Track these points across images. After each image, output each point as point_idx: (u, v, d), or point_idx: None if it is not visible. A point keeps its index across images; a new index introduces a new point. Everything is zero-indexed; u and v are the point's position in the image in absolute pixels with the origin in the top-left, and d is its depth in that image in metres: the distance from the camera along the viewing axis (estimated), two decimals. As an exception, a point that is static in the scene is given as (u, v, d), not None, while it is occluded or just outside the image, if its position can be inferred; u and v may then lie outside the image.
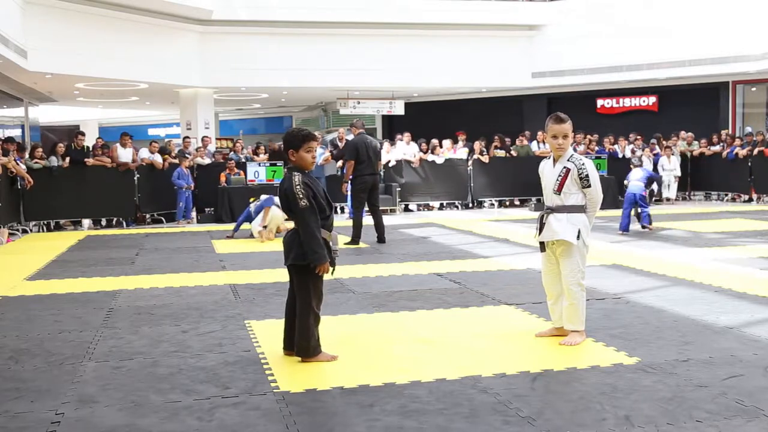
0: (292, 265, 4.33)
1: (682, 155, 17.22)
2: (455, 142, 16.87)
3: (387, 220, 13.75)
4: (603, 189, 4.86)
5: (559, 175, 4.61)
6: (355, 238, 9.91)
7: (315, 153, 4.39)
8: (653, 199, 16.38)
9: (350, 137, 11.28)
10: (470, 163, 16.10)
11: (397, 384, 3.87)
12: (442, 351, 4.57)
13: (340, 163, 14.19)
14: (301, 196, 4.19)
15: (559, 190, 4.60)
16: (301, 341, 4.32)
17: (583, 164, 4.61)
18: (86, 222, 13.45)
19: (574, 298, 4.59)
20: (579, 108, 20.40)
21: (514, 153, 16.49)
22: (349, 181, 10.25)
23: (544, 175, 4.78)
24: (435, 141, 16.49)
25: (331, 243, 4.33)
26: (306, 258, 4.22)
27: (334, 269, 4.39)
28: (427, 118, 23.08)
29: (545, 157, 4.98)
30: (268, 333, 5.04)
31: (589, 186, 4.59)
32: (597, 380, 3.90)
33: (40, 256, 9.34)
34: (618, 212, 11.68)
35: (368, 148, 9.98)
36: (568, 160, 4.62)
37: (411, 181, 15.83)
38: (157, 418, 3.45)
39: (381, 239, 10.06)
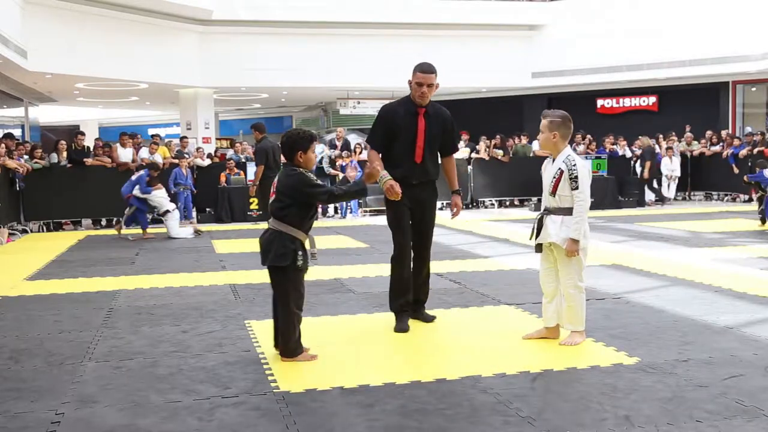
0: (271, 266, 4.29)
1: (682, 155, 17.20)
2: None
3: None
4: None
5: (554, 177, 4.52)
6: None
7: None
8: (656, 199, 16.38)
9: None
10: (470, 162, 16.09)
11: (397, 384, 3.87)
12: (442, 351, 4.57)
13: None
14: (319, 189, 4.30)
15: (553, 192, 4.51)
16: (282, 341, 4.33)
17: (574, 165, 4.46)
18: (86, 222, 13.44)
19: (572, 300, 4.54)
20: (579, 108, 20.39)
21: (505, 159, 16.24)
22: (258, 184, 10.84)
23: (544, 174, 4.70)
24: None
25: (307, 245, 4.29)
26: (285, 259, 4.18)
27: (306, 270, 4.33)
28: (427, 118, 23.04)
29: (546, 156, 4.82)
30: (268, 333, 5.01)
31: (577, 188, 4.43)
32: (597, 380, 3.89)
33: (40, 256, 9.33)
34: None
35: (274, 152, 10.75)
36: (563, 161, 4.51)
37: (411, 181, 15.79)
38: (157, 418, 3.45)
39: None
